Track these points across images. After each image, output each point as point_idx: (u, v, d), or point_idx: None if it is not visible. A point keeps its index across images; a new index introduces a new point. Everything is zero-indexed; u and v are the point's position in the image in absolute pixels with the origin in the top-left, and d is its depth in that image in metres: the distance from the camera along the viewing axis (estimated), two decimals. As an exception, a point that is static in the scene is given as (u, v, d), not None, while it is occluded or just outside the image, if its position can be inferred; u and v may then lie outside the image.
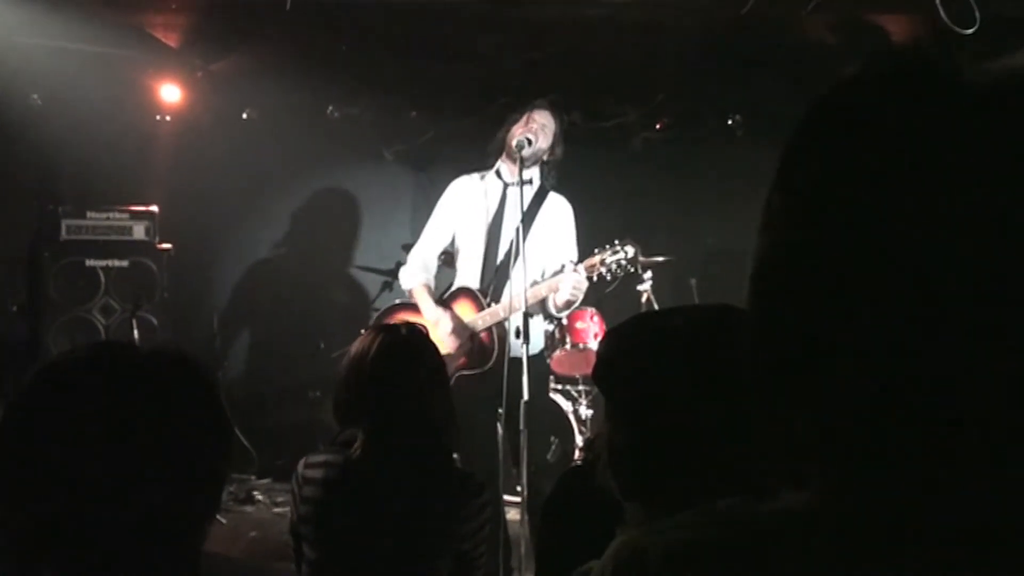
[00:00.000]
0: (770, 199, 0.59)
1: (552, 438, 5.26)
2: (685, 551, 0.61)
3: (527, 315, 3.87)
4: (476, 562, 2.44)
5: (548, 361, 4.85)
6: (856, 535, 0.55)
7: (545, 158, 4.27)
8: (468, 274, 4.28)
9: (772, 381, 0.59)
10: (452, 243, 4.39)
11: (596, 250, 4.14)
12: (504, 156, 4.26)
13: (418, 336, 2.52)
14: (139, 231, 6.04)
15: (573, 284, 4.02)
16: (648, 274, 5.64)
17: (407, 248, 6.42)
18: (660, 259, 5.66)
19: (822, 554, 0.56)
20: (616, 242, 4.12)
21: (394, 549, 2.34)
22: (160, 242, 6.07)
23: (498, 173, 4.29)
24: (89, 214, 5.97)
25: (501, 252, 4.20)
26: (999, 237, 0.50)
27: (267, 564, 4.79)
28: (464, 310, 4.23)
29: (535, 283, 4.12)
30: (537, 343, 4.27)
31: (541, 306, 4.22)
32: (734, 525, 0.60)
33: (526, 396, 3.72)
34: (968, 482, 0.51)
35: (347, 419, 2.44)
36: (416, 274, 4.37)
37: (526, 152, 4.11)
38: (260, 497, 5.84)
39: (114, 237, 5.99)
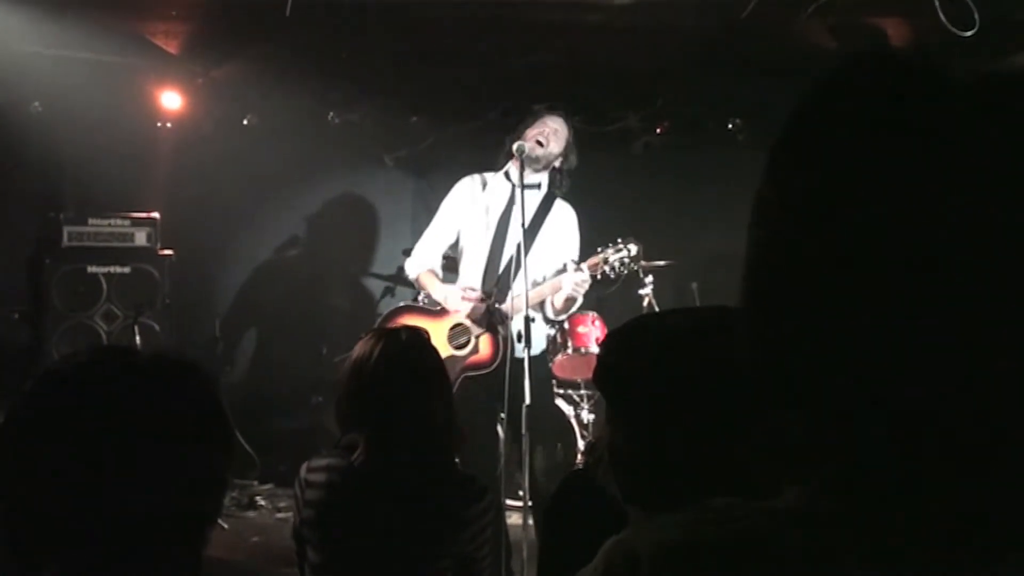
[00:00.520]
0: (759, 199, 0.59)
1: (558, 445, 5.25)
2: (676, 551, 0.61)
3: (528, 318, 3.87)
4: (479, 565, 2.44)
5: (550, 364, 4.85)
6: (851, 534, 0.55)
7: (557, 164, 4.27)
8: (471, 275, 4.28)
9: (766, 381, 0.59)
10: (456, 242, 4.40)
11: (599, 249, 4.15)
12: (513, 160, 4.27)
13: (419, 340, 2.52)
14: (141, 237, 6.05)
15: (575, 282, 4.03)
16: (649, 278, 5.64)
17: (408, 253, 6.45)
18: (661, 263, 5.67)
19: (815, 554, 0.56)
20: (619, 240, 4.13)
21: (397, 553, 2.34)
22: (162, 248, 6.08)
23: (507, 175, 4.29)
24: (91, 221, 5.98)
25: (505, 255, 4.20)
26: (990, 234, 0.50)
27: (269, 569, 4.78)
28: (467, 309, 4.25)
29: (536, 284, 4.12)
30: (538, 344, 4.27)
31: (540, 308, 4.22)
32: (726, 525, 0.60)
33: (528, 400, 3.72)
34: (964, 481, 0.52)
35: (349, 424, 2.44)
36: (421, 263, 4.38)
37: (538, 153, 4.13)
38: (262, 503, 5.84)
39: (116, 244, 6.00)
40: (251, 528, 5.42)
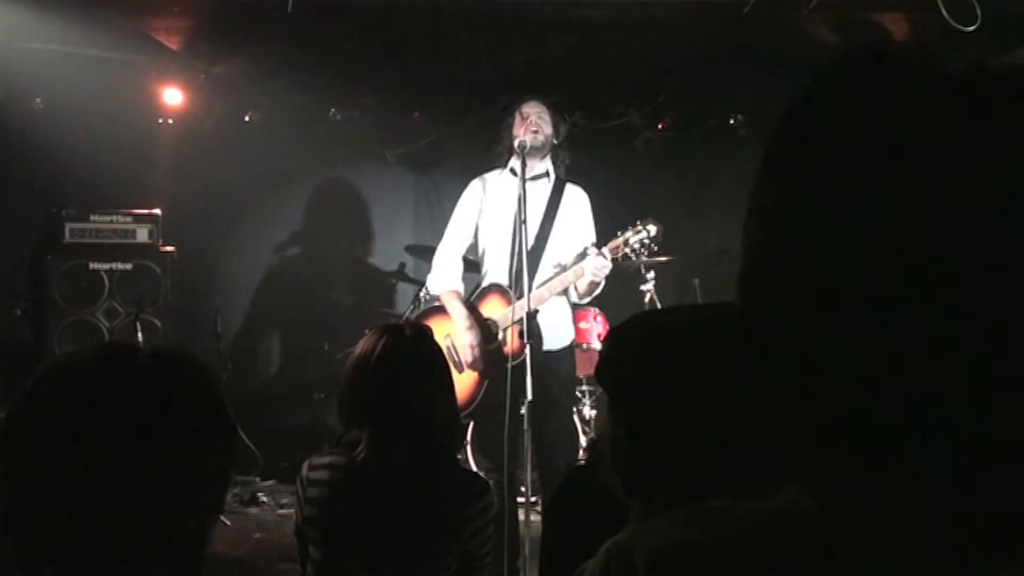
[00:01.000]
0: (755, 196, 0.59)
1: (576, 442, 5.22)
2: (673, 551, 0.61)
3: (531, 315, 3.87)
4: (480, 562, 2.44)
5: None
6: (848, 533, 0.55)
7: (556, 141, 4.28)
8: (496, 271, 4.29)
9: (763, 379, 0.59)
10: (476, 242, 4.40)
11: (619, 232, 4.14)
12: (515, 155, 4.27)
13: (423, 337, 2.52)
14: (142, 234, 6.06)
15: (596, 267, 4.03)
16: (651, 274, 5.65)
17: (410, 249, 6.46)
18: (663, 259, 5.66)
19: (812, 553, 0.55)
20: (638, 222, 4.13)
21: (399, 550, 2.34)
22: (163, 245, 6.08)
23: (513, 171, 4.29)
24: (92, 217, 5.99)
25: (526, 248, 4.19)
26: (986, 230, 0.49)
27: (271, 566, 4.79)
28: (494, 306, 4.24)
29: (558, 270, 4.13)
30: (566, 336, 4.27)
31: (564, 293, 4.22)
32: (723, 524, 0.60)
33: (529, 396, 3.72)
34: (964, 478, 0.51)
35: (351, 421, 2.44)
36: (444, 279, 4.37)
37: (540, 141, 4.15)
38: (264, 499, 5.84)
39: (117, 240, 6.00)
40: (253, 524, 5.43)
